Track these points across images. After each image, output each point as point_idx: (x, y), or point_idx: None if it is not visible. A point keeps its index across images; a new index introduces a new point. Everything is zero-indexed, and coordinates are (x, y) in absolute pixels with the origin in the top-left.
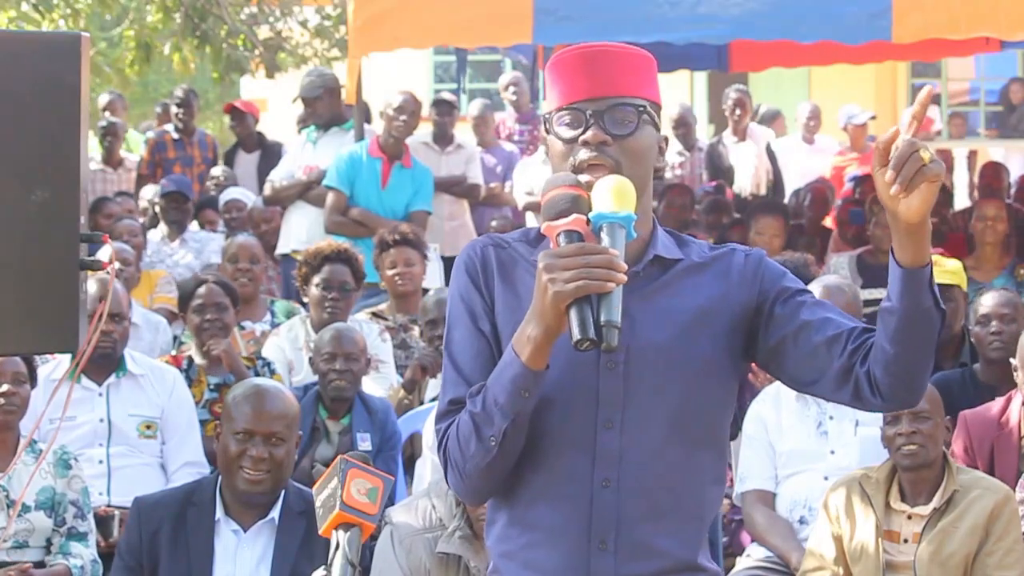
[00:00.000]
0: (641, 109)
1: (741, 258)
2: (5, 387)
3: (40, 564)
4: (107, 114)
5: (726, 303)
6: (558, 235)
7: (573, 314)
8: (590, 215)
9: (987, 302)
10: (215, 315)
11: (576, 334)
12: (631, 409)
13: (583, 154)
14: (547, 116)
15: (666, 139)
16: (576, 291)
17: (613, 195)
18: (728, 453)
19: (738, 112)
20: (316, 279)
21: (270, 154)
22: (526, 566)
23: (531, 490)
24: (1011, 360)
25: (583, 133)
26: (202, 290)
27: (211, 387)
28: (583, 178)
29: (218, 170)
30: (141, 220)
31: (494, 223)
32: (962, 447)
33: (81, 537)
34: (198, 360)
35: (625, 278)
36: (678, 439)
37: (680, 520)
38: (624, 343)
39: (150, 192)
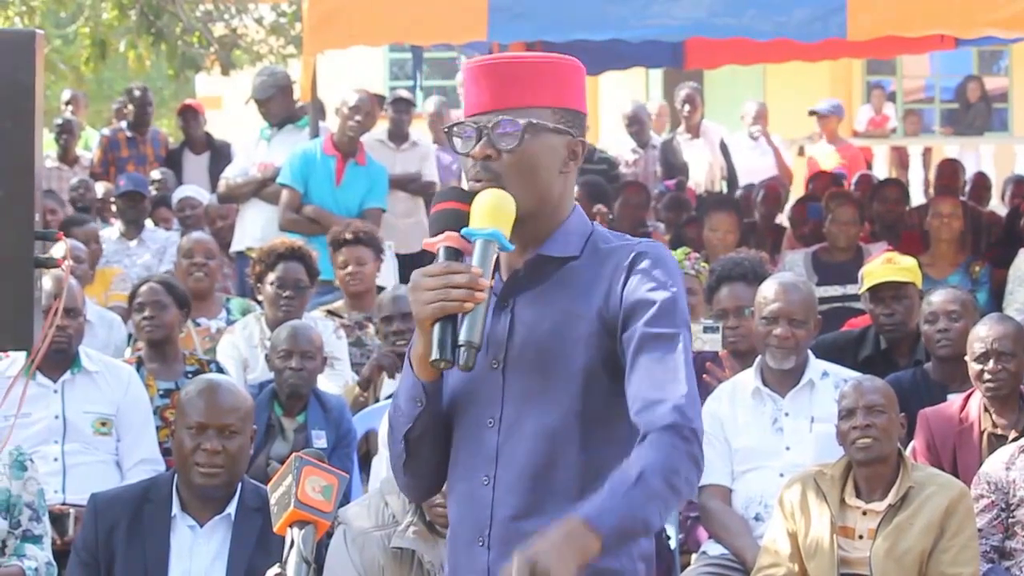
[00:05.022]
0: (528, 122)
1: (625, 256)
2: None
3: None
4: (69, 109)
5: (593, 306)
6: (438, 251)
7: (435, 333)
8: (461, 231)
9: (935, 300)
10: (153, 313)
11: (433, 354)
12: (508, 407)
13: (470, 169)
14: (447, 129)
15: (582, 143)
16: (434, 312)
17: (484, 211)
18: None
19: (688, 108)
20: (271, 277)
21: (219, 155)
22: (448, 557)
23: (449, 485)
24: (963, 357)
25: (473, 147)
26: (143, 288)
27: (161, 392)
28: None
29: (157, 173)
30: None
31: None
32: (924, 445)
33: (36, 539)
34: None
35: (484, 296)
36: (551, 440)
37: (554, 518)
38: (504, 343)
39: (102, 190)
